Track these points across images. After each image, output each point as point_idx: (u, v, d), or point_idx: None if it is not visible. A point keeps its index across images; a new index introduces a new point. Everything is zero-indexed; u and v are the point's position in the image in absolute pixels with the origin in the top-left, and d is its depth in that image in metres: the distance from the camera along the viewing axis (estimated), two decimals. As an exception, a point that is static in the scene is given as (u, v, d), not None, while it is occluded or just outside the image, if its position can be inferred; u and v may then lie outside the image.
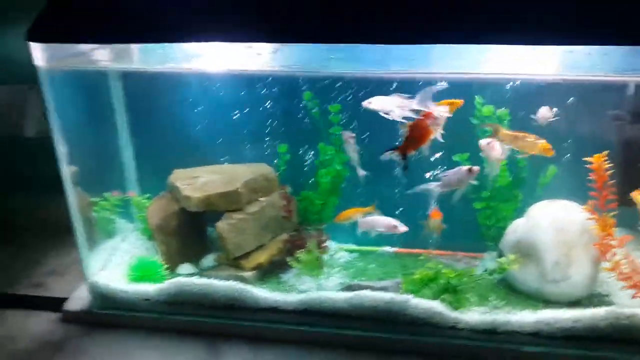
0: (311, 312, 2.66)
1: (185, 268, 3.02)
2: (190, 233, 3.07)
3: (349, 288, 2.72)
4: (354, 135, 2.82)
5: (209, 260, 3.09)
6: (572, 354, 2.46)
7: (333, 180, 2.98)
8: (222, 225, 2.84)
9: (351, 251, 3.22)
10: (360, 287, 2.68)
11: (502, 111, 2.77)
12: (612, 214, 2.53)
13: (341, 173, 2.98)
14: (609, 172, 2.49)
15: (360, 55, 2.48)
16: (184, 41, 2.36)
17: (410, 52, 2.33)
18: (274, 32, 2.25)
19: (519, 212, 2.90)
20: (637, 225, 2.62)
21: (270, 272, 2.98)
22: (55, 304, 2.98)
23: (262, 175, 3.01)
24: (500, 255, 2.83)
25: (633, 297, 2.53)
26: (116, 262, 3.04)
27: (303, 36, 2.24)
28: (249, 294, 2.70)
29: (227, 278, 2.79)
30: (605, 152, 2.49)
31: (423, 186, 2.62)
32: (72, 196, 2.70)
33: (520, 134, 2.59)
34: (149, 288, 2.79)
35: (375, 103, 2.38)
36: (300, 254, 2.78)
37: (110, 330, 2.77)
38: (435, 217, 2.73)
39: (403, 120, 2.35)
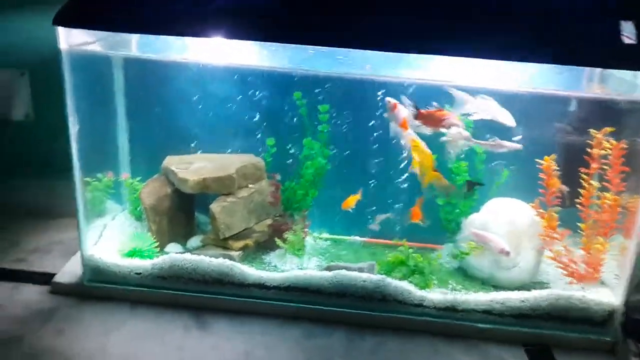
0: (294, 289, 2.95)
1: (173, 247, 3.23)
2: (180, 215, 3.30)
3: (328, 268, 3.02)
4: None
5: (195, 241, 3.31)
6: (519, 330, 2.86)
7: (316, 173, 3.29)
8: (215, 206, 3.10)
9: (325, 239, 3.53)
10: (339, 268, 2.99)
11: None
12: (556, 210, 2.97)
13: (324, 167, 3.30)
14: (555, 173, 2.94)
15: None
16: (202, 36, 2.61)
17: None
18: (278, 32, 2.55)
19: (475, 209, 3.31)
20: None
21: (253, 253, 3.25)
22: (42, 277, 3.12)
23: (252, 164, 3.29)
24: (456, 245, 3.24)
25: (569, 283, 2.99)
26: (108, 238, 3.21)
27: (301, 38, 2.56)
28: (238, 270, 2.95)
29: (215, 256, 3.02)
30: (553, 155, 2.94)
31: None
32: (79, 174, 2.87)
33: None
34: (141, 263, 2.99)
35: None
36: (288, 234, 3.08)
37: (100, 302, 2.93)
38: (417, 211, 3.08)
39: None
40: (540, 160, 2.97)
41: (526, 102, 2.94)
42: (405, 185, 3.25)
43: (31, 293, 3.02)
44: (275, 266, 3.15)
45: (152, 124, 3.45)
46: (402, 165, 3.15)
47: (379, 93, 3.09)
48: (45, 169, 3.71)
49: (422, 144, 2.84)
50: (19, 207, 3.86)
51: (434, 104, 2.87)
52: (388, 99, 2.91)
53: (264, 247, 3.28)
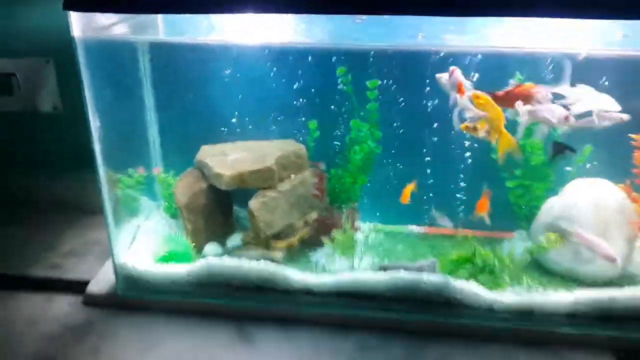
0: (345, 294, 2.63)
1: (212, 248, 2.96)
2: (217, 212, 3.01)
3: (384, 269, 2.68)
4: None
5: (235, 239, 3.03)
6: (609, 335, 2.45)
7: (365, 158, 2.92)
8: (254, 203, 2.78)
9: (377, 231, 3.17)
10: (395, 268, 2.64)
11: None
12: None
13: (374, 150, 2.91)
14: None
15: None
16: (218, 12, 2.27)
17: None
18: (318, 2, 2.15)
19: (551, 192, 2.86)
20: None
21: (299, 252, 2.93)
22: (76, 286, 2.89)
23: (293, 152, 2.95)
24: (531, 234, 2.81)
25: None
26: (141, 241, 2.97)
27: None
28: (281, 275, 2.65)
29: (257, 258, 2.73)
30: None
31: None
32: (103, 172, 2.60)
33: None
34: (177, 269, 2.73)
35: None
36: (336, 233, 2.73)
37: (137, 313, 2.70)
38: (484, 201, 2.67)
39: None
40: (633, 135, 2.48)
41: (610, 68, 2.46)
42: (467, 167, 2.84)
43: (65, 305, 2.81)
44: (323, 267, 2.82)
45: (184, 113, 3.15)
46: (464, 144, 2.74)
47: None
48: (77, 163, 3.46)
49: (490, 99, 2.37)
50: (53, 205, 3.67)
51: (512, 81, 2.41)
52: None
53: (310, 243, 2.95)
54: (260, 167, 2.82)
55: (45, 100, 3.52)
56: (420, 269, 2.62)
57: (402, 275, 2.57)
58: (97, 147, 2.59)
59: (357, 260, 2.81)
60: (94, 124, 2.54)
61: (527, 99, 2.35)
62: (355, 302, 2.62)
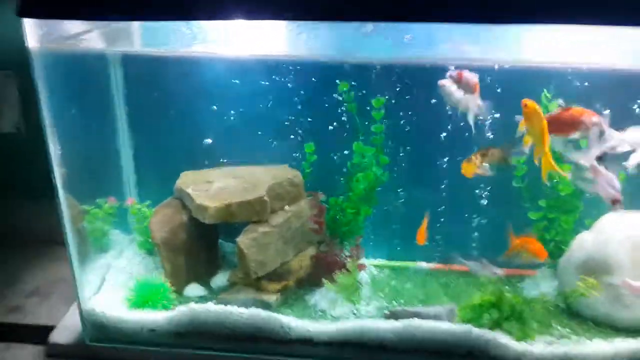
0: (351, 344, 2.28)
1: (194, 289, 2.60)
2: (200, 248, 2.65)
3: (394, 315, 2.33)
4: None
5: (220, 279, 2.68)
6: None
7: (370, 187, 2.57)
8: (243, 240, 2.41)
9: (381, 267, 2.82)
10: (408, 314, 2.30)
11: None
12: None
13: (380, 178, 2.57)
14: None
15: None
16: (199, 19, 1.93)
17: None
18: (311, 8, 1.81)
19: (580, 225, 2.55)
20: None
21: (294, 294, 2.57)
22: (38, 333, 2.51)
23: (288, 179, 2.59)
24: (559, 273, 2.49)
25: None
26: (112, 282, 2.60)
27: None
28: (276, 322, 2.29)
29: (247, 302, 2.40)
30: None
31: None
32: (65, 203, 2.22)
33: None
34: (154, 316, 2.37)
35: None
36: (339, 275, 2.37)
37: (108, 368, 2.33)
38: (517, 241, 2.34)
39: None
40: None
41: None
42: (486, 195, 2.52)
43: (25, 357, 2.42)
44: (322, 311, 2.46)
45: (162, 134, 2.79)
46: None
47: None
48: (44, 189, 3.06)
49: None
50: (15, 236, 3.28)
51: (560, 102, 2.11)
52: (449, 73, 2.16)
53: (306, 283, 2.60)
54: (250, 197, 2.46)
55: (5, 119, 3.12)
56: (437, 317, 2.27)
57: (417, 324, 2.21)
58: (58, 174, 2.21)
59: (363, 305, 2.45)
60: (54, 147, 2.15)
61: (575, 125, 2.03)
62: (363, 353, 2.27)
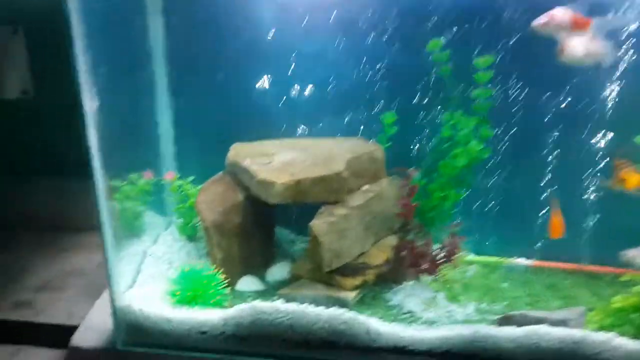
0: (457, 355, 1.82)
1: (249, 282, 2.18)
2: (256, 234, 2.19)
3: (507, 320, 1.87)
4: None
5: (278, 271, 2.22)
6: None
7: (467, 165, 2.12)
8: (319, 224, 1.95)
9: (469, 262, 2.36)
10: (527, 320, 1.84)
11: None
12: None
13: (480, 155, 2.12)
14: None
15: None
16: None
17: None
18: None
19: None
20: None
21: (370, 290, 2.12)
22: (55, 335, 2.10)
23: (367, 153, 2.14)
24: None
25: None
26: (149, 274, 2.13)
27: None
28: (361, 326, 1.84)
29: (317, 300, 1.97)
30: None
31: None
32: (100, 177, 1.75)
33: None
34: (205, 315, 1.95)
35: None
36: (445, 271, 1.92)
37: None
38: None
39: None
40: None
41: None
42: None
43: None
44: (410, 313, 2.00)
45: (210, 97, 2.36)
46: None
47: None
48: (53, 165, 2.71)
49: None
50: (20, 220, 2.87)
51: None
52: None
53: (383, 278, 2.15)
54: (326, 173, 2.00)
55: (11, 83, 2.73)
56: (563, 322, 1.82)
57: (543, 332, 1.76)
58: (94, 140, 1.73)
59: (456, 306, 2.01)
60: (90, 110, 1.69)
61: None
62: (469, 367, 1.81)
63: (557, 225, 2.01)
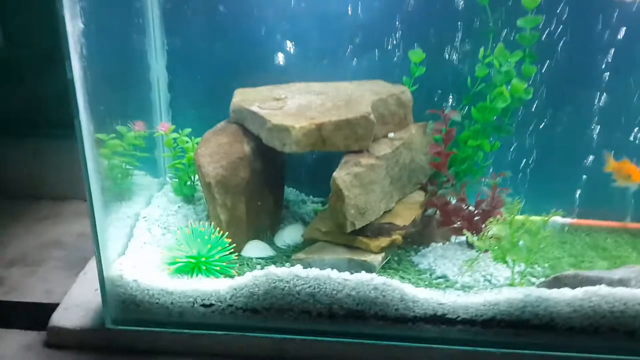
0: (504, 322, 1.61)
1: (257, 248, 1.93)
2: (264, 191, 1.91)
3: (558, 281, 1.64)
4: None
5: (288, 234, 1.99)
6: None
7: (506, 108, 1.87)
8: (342, 176, 1.68)
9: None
10: (580, 281, 1.62)
11: None
12: None
13: (522, 98, 1.86)
14: None
15: None
16: None
17: None
18: None
19: None
20: None
21: (395, 254, 1.87)
22: (31, 314, 1.87)
23: (394, 96, 1.86)
24: None
25: None
26: (143, 240, 1.88)
27: None
28: (395, 293, 1.60)
29: (338, 265, 1.73)
30: None
31: None
32: (85, 127, 1.47)
33: None
34: (211, 285, 1.72)
35: None
36: (494, 224, 1.67)
37: (142, 360, 1.70)
38: None
39: None
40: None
41: None
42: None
43: (16, 348, 1.74)
44: (444, 277, 1.76)
45: (208, 37, 2.09)
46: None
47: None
48: (26, 120, 2.43)
49: None
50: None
51: None
52: None
53: (410, 239, 1.92)
54: (351, 116, 1.72)
55: None
56: (622, 282, 1.60)
57: (605, 292, 1.53)
58: (79, 84, 1.45)
59: (493, 269, 1.78)
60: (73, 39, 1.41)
61: None
62: (521, 334, 1.61)
63: (635, 169, 1.79)
